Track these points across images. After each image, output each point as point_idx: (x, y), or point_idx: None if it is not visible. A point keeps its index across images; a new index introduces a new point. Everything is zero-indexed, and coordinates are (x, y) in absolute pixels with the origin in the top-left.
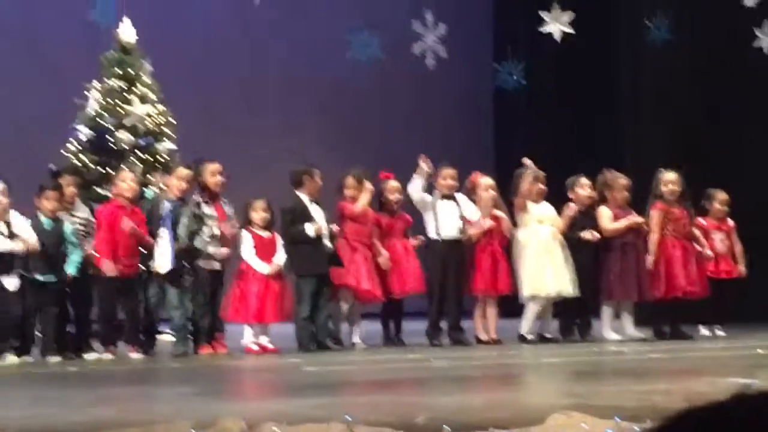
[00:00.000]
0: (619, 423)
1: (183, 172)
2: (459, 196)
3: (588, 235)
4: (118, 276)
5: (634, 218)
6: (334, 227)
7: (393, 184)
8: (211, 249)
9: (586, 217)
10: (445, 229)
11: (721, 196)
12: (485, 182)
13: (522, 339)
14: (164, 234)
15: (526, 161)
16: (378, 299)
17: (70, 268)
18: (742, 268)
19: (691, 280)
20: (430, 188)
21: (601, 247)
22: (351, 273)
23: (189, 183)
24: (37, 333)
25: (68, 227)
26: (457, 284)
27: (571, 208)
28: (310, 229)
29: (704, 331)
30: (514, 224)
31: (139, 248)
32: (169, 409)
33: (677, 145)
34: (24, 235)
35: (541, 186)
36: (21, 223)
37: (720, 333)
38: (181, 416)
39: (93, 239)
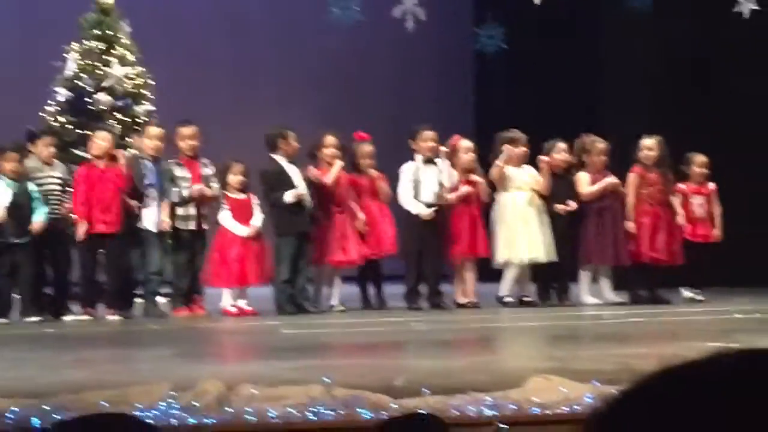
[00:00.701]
0: (598, 386)
1: (154, 130)
2: (439, 161)
3: (561, 207)
4: (97, 236)
5: (610, 180)
6: (313, 172)
7: (367, 148)
8: (181, 211)
9: (563, 182)
10: (424, 194)
11: (699, 159)
12: (464, 145)
13: (500, 301)
14: (152, 193)
15: (542, 161)
16: (354, 264)
17: (37, 217)
18: (717, 232)
19: (656, 247)
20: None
21: (578, 212)
22: (323, 245)
23: (162, 141)
24: (14, 295)
25: (32, 187)
26: (436, 249)
27: (542, 161)
28: (289, 196)
29: (687, 293)
30: (492, 188)
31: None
32: (148, 371)
33: (658, 110)
34: None
35: (523, 149)
36: None
37: (699, 297)
38: (159, 378)
39: (70, 199)
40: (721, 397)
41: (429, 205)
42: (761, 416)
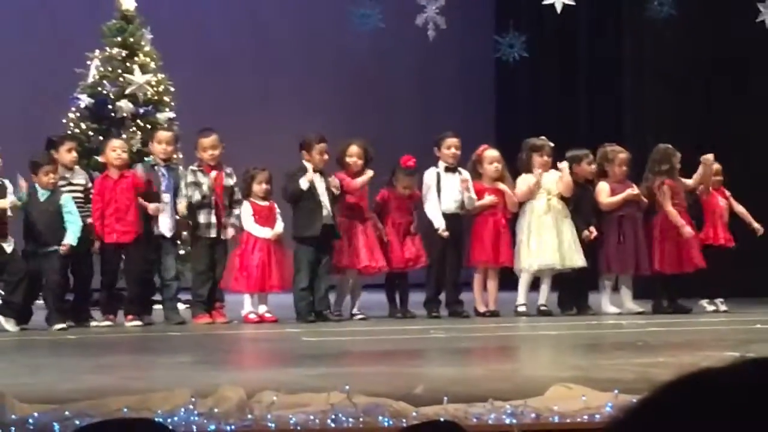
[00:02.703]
0: (618, 395)
1: (162, 135)
2: (464, 173)
3: (585, 235)
4: (117, 244)
5: (631, 191)
6: (333, 180)
7: (410, 181)
8: (202, 219)
9: (586, 192)
10: (445, 203)
11: (715, 166)
12: (490, 155)
13: (517, 312)
14: (166, 199)
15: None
16: (379, 271)
17: (69, 239)
18: (757, 225)
19: (695, 255)
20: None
21: (599, 221)
22: (348, 251)
23: (171, 144)
24: (38, 301)
25: (66, 198)
26: (456, 257)
27: (562, 165)
28: (303, 182)
29: (708, 306)
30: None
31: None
32: (169, 378)
33: (678, 119)
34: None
35: (547, 158)
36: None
37: (722, 307)
38: (180, 385)
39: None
40: (736, 406)
41: (448, 214)
42: None
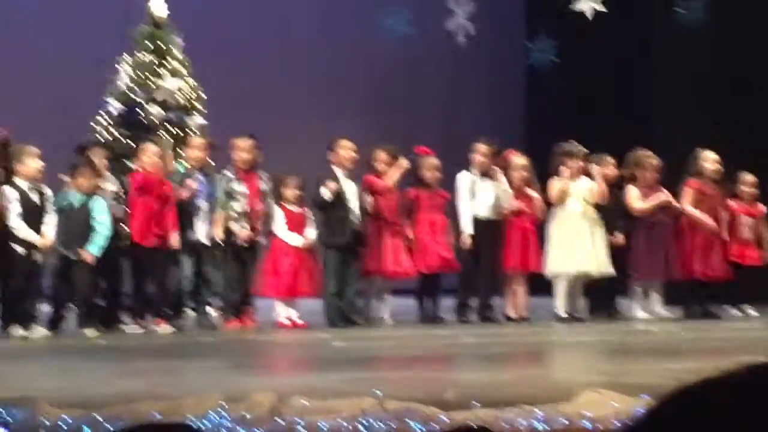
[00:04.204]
0: (649, 401)
1: (196, 141)
2: (495, 168)
3: (612, 240)
4: (152, 248)
5: (664, 197)
6: (369, 199)
7: (432, 161)
8: (236, 227)
9: (611, 195)
10: (479, 208)
11: (749, 178)
12: (517, 162)
13: (558, 318)
14: (203, 206)
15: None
16: (407, 275)
17: (92, 249)
18: (765, 255)
19: (711, 264)
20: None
21: (629, 226)
22: (376, 255)
23: (203, 151)
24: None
25: (98, 204)
26: (491, 263)
27: (594, 168)
28: (324, 191)
29: (736, 313)
30: (548, 204)
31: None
32: (200, 383)
33: (709, 126)
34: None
35: (580, 163)
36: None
37: (753, 313)
38: (211, 389)
39: (123, 212)
40: (740, 413)
41: (483, 219)
42: None
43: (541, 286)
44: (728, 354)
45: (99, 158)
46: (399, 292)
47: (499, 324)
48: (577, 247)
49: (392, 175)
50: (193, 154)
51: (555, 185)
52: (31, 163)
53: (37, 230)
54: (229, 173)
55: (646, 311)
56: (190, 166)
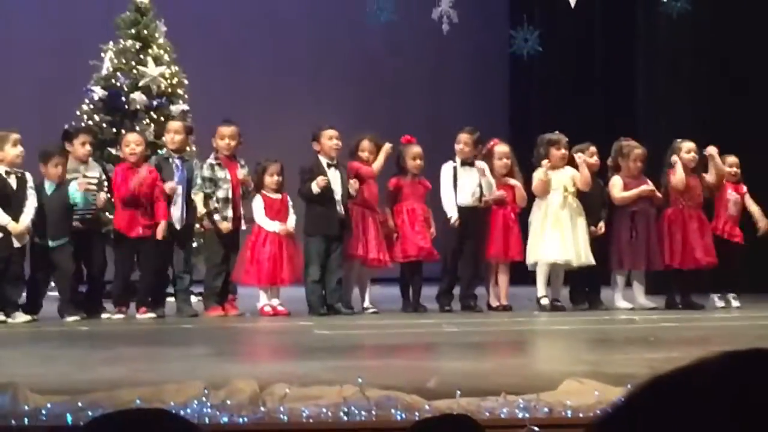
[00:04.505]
0: (621, 397)
1: (174, 125)
2: (479, 162)
3: (592, 231)
4: (137, 237)
5: (646, 186)
6: (354, 183)
7: (415, 149)
8: (217, 217)
9: (594, 185)
10: (462, 196)
11: (731, 159)
12: (500, 150)
13: (538, 303)
14: (178, 191)
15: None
16: (386, 265)
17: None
18: (762, 224)
19: (709, 250)
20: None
21: (611, 216)
22: (360, 241)
23: (181, 134)
24: (50, 293)
25: (73, 187)
26: (473, 251)
27: (579, 157)
28: (314, 186)
29: (718, 302)
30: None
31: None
32: (182, 370)
33: (692, 114)
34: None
35: (564, 151)
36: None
37: (735, 303)
38: (193, 376)
39: (104, 197)
40: (714, 400)
41: (465, 208)
42: (753, 416)
43: (523, 275)
44: (709, 344)
45: (83, 146)
46: (382, 281)
47: (482, 313)
48: (557, 236)
49: (378, 160)
50: (172, 138)
51: (536, 175)
52: (11, 150)
53: (15, 216)
54: (211, 160)
55: (628, 301)
56: (169, 151)
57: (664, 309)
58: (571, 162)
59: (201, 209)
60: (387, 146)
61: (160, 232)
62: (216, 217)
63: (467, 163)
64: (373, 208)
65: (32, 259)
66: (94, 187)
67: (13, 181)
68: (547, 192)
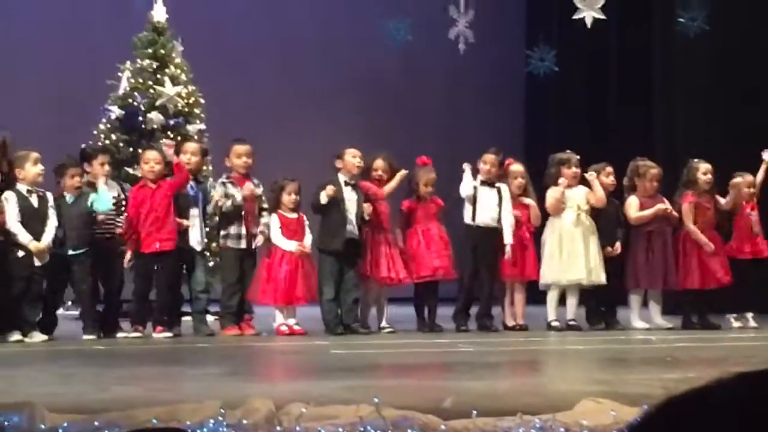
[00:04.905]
0: (638, 416)
1: (190, 146)
2: (501, 185)
3: (607, 251)
4: (153, 254)
5: (661, 205)
6: (368, 207)
7: (429, 175)
8: (233, 230)
9: (610, 205)
10: (481, 216)
11: (748, 179)
12: (515, 170)
13: (549, 326)
14: (194, 212)
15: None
16: (400, 283)
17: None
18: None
19: (710, 273)
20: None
21: (627, 236)
22: (370, 260)
23: (196, 155)
24: (66, 312)
25: (94, 197)
26: (490, 271)
27: (591, 175)
28: (322, 195)
29: (735, 321)
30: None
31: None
32: (198, 389)
33: (708, 135)
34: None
35: (575, 170)
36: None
37: (752, 323)
38: (209, 396)
39: (123, 219)
40: (731, 421)
41: (483, 228)
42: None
43: (539, 294)
44: (727, 364)
45: (102, 166)
46: (397, 300)
47: (498, 332)
48: (568, 256)
49: (391, 183)
50: (188, 160)
51: (550, 195)
52: (32, 168)
53: (38, 235)
54: (223, 179)
55: (645, 321)
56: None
57: (680, 329)
58: (585, 180)
59: (213, 219)
60: (403, 172)
61: (126, 263)
62: (232, 230)
63: (488, 183)
64: (383, 228)
65: (50, 269)
66: (113, 207)
67: (35, 200)
68: (560, 210)
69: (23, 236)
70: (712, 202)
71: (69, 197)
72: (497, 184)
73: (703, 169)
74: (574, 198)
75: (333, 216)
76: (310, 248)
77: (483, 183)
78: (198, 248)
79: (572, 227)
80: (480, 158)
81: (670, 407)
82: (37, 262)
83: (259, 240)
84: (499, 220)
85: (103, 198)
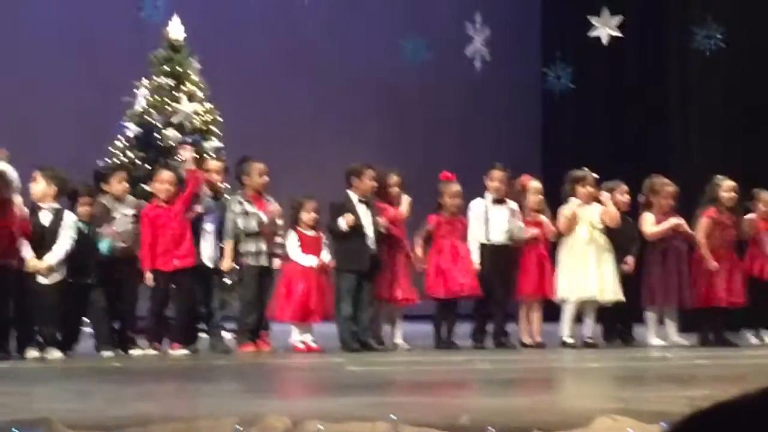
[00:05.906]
0: (666, 428)
1: (213, 164)
2: (510, 202)
3: (625, 267)
4: (176, 270)
5: (675, 221)
6: (381, 220)
7: (454, 188)
8: (252, 247)
9: (625, 223)
10: (493, 234)
11: (765, 196)
12: (533, 186)
13: (563, 344)
14: (209, 229)
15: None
16: (414, 303)
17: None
18: None
19: (734, 290)
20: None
21: (643, 252)
22: (388, 281)
23: (220, 174)
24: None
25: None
26: (504, 289)
27: (603, 194)
28: (342, 222)
29: (752, 339)
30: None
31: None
32: (214, 406)
33: (724, 153)
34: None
35: (590, 189)
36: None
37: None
38: (226, 412)
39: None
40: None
41: (497, 245)
42: None
43: (556, 311)
44: (744, 381)
45: (119, 183)
46: (414, 318)
47: (514, 350)
48: (583, 273)
49: (404, 205)
50: (210, 177)
51: (563, 212)
52: (34, 186)
53: (45, 251)
54: (239, 197)
55: (661, 338)
56: (205, 189)
57: (697, 346)
58: (598, 198)
59: (227, 261)
60: (407, 199)
61: (147, 280)
62: (251, 248)
63: (499, 200)
64: (400, 244)
65: (65, 295)
66: (132, 224)
67: (45, 217)
68: (572, 228)
69: (25, 251)
70: (733, 220)
71: (83, 226)
72: (507, 202)
73: (726, 187)
74: (588, 216)
75: (353, 239)
76: (327, 264)
77: (495, 201)
78: (210, 265)
79: (585, 244)
80: (487, 175)
81: (695, 421)
82: (43, 280)
83: (277, 261)
84: (511, 237)
85: (106, 245)
